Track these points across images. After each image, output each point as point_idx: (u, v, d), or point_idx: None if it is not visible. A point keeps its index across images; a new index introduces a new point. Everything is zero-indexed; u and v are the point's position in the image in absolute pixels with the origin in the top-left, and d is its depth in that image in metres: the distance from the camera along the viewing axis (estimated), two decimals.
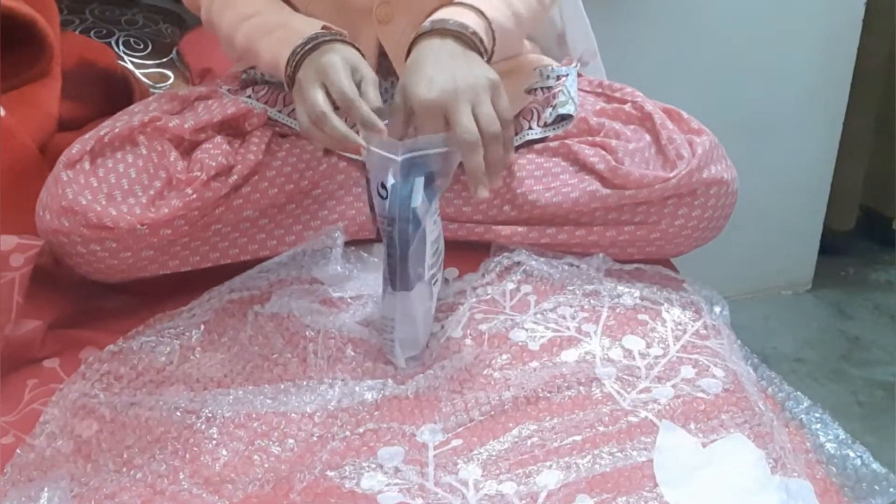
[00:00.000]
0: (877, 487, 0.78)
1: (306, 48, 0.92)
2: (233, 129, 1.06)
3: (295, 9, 1.05)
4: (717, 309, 1.02)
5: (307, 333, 0.95)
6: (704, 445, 0.81)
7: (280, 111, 1.10)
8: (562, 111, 1.11)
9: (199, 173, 0.98)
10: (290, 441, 0.82)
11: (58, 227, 0.95)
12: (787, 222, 2.12)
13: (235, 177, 1.00)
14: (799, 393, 0.89)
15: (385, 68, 1.08)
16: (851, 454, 0.81)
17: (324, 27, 0.95)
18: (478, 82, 0.88)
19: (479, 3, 0.95)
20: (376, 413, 0.84)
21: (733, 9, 1.87)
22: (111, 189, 0.96)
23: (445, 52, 0.90)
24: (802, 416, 0.87)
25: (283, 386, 0.88)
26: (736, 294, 2.00)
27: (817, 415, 0.86)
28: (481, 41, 0.93)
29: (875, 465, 0.80)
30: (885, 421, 1.78)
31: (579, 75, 1.22)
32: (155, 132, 1.00)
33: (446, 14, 0.93)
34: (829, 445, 0.83)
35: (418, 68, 0.90)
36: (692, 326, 0.98)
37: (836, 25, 1.95)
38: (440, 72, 0.88)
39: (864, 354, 2.01)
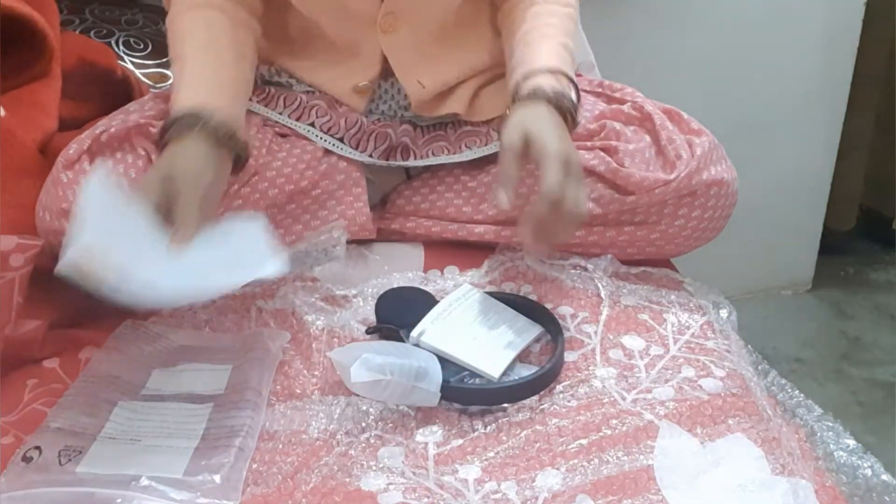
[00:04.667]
0: (887, 499, 0.78)
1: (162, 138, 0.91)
2: None
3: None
4: (724, 313, 1.02)
5: (312, 331, 0.95)
6: (706, 447, 0.81)
7: (281, 112, 1.10)
8: None
9: None
10: (294, 446, 0.82)
11: (58, 228, 0.95)
12: (787, 222, 2.12)
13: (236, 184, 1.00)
14: (810, 401, 0.89)
15: (386, 69, 1.09)
16: (862, 464, 0.80)
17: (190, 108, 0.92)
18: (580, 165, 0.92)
19: (566, 68, 0.98)
20: (380, 423, 0.84)
21: (733, 9, 1.87)
22: None
23: (561, 127, 0.93)
24: (813, 424, 0.86)
25: (289, 404, 0.88)
26: (736, 294, 2.00)
27: (829, 423, 0.86)
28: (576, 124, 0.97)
29: (885, 476, 0.79)
30: (885, 421, 1.79)
31: (578, 75, 1.21)
32: (152, 133, 1.00)
33: (559, 86, 0.95)
34: (839, 454, 0.82)
35: (544, 122, 0.91)
36: (693, 327, 0.97)
37: (836, 25, 1.95)
38: (564, 136, 0.91)
39: (864, 354, 2.01)
